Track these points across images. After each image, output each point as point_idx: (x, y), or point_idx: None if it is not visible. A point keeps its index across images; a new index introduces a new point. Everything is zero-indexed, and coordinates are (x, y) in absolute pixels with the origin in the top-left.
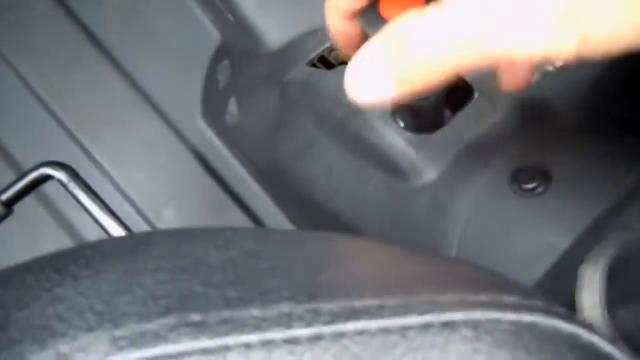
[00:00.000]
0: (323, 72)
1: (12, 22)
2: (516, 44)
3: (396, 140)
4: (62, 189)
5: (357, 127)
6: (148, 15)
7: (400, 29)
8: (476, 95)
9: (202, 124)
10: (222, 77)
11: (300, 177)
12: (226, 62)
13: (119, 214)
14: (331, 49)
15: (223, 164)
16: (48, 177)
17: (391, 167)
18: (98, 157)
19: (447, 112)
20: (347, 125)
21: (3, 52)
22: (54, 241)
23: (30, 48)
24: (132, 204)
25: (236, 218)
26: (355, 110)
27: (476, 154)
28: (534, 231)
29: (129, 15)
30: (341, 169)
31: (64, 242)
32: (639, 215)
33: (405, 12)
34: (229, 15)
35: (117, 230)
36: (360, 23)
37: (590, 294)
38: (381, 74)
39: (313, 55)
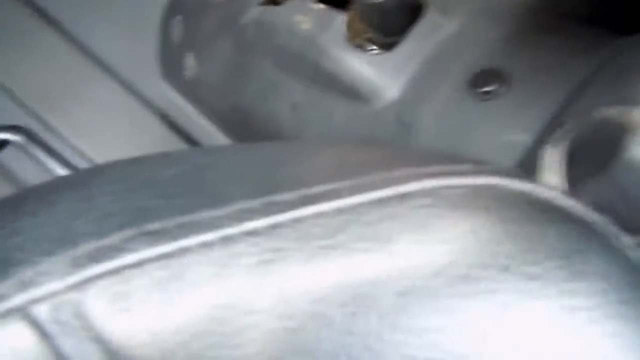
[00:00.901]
0: (275, 8)
1: None
2: None
3: (353, 63)
4: (19, 157)
5: (315, 58)
6: None
7: None
8: (428, 7)
9: (162, 84)
10: (177, 33)
11: (265, 118)
12: (179, 17)
13: None
14: None
15: (188, 120)
16: (5, 143)
17: (353, 93)
18: (62, 130)
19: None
20: (304, 58)
21: None
22: None
23: None
24: None
25: None
26: (310, 41)
27: (434, 66)
28: (496, 132)
29: None
30: (305, 103)
31: None
32: (596, 99)
33: None
34: None
35: None
36: None
37: (551, 175)
38: None
39: None
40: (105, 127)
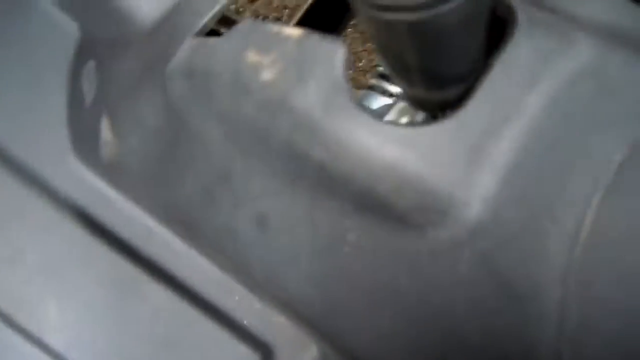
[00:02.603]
0: (211, 41)
1: None
2: None
3: (379, 143)
4: None
5: (286, 132)
6: None
7: None
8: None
9: (74, 164)
10: (89, 86)
11: (215, 234)
12: (91, 64)
13: None
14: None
15: (111, 212)
16: None
17: (381, 203)
18: None
19: None
20: (269, 132)
21: None
22: None
23: None
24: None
25: (151, 288)
26: (278, 102)
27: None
28: None
29: None
30: (282, 216)
31: None
32: None
33: None
34: None
35: None
36: None
37: None
38: None
39: (203, 20)
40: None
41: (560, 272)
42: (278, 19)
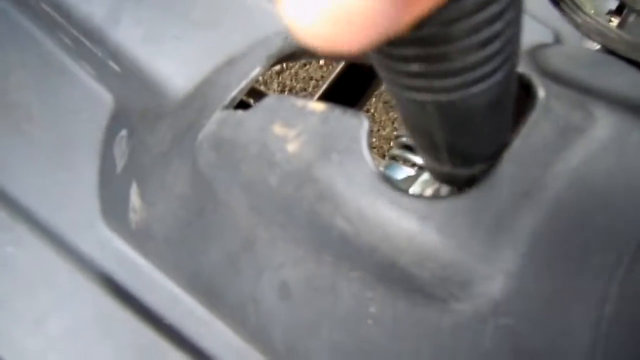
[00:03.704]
0: (239, 114)
1: None
2: None
3: (410, 216)
4: None
5: (310, 202)
6: (16, 97)
7: None
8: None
9: (103, 230)
10: (120, 154)
11: (238, 302)
12: (123, 133)
13: None
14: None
15: (138, 281)
16: None
17: (403, 275)
18: None
19: None
20: (293, 202)
21: None
22: None
23: None
24: None
25: (173, 356)
26: (303, 174)
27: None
28: None
29: None
30: (304, 285)
31: None
32: None
33: None
34: (112, 64)
35: None
36: None
37: None
38: None
39: (233, 93)
40: (23, 308)
41: (586, 348)
42: (304, 90)
